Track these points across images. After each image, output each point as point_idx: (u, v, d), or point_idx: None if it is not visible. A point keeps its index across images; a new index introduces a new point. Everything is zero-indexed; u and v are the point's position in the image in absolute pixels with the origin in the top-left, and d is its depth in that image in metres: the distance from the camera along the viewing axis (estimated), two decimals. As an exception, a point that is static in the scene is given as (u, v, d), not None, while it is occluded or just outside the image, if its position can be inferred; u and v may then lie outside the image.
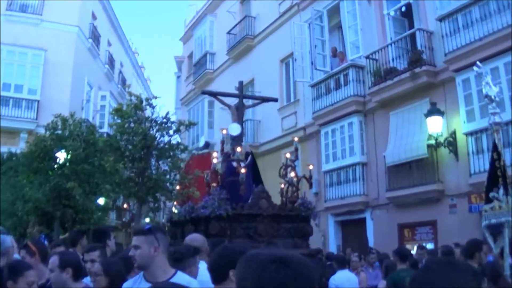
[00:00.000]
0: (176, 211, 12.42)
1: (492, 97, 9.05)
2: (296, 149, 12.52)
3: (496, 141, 8.90)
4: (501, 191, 8.47)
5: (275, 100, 15.44)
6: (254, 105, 15.16)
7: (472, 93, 12.88)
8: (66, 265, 4.28)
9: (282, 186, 12.01)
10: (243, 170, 10.99)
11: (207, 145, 16.35)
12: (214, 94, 14.30)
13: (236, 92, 13.43)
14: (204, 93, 15.84)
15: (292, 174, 11.90)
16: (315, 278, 1.71)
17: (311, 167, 12.41)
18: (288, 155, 12.41)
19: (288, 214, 11.38)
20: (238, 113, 12.99)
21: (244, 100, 13.69)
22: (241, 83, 13.71)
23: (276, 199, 11.75)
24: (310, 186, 12.44)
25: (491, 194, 8.60)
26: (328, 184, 17.43)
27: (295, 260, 1.67)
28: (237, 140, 12.38)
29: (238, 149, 11.45)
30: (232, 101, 13.63)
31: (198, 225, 10.88)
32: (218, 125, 22.14)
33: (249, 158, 12.15)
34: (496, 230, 8.23)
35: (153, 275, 3.66)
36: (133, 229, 11.72)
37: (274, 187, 12.50)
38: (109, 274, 4.32)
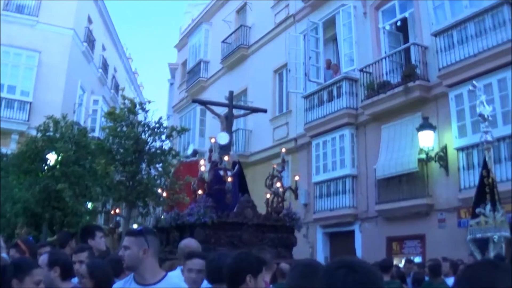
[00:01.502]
0: (162, 216, 12.45)
1: (486, 116, 9.16)
2: (283, 161, 12.63)
3: (487, 159, 9.00)
4: (488, 207, 8.58)
5: (264, 111, 15.49)
6: (243, 115, 15.29)
7: (465, 109, 12.96)
8: (54, 263, 4.21)
9: (268, 196, 12.10)
10: (229, 179, 11.08)
11: (195, 153, 16.48)
12: (204, 103, 14.41)
13: (226, 101, 13.53)
14: (194, 101, 15.93)
15: (278, 184, 12.02)
16: (381, 284, 1.72)
17: (297, 178, 12.53)
18: (275, 166, 12.53)
19: (273, 224, 11.48)
20: (227, 123, 13.14)
21: (234, 110, 13.77)
22: (231, 93, 13.84)
23: (263, 209, 11.82)
24: (296, 197, 12.57)
25: (477, 210, 8.71)
26: (318, 195, 17.40)
27: (362, 265, 1.70)
28: (225, 149, 12.50)
29: (226, 158, 11.54)
30: (222, 110, 13.71)
31: (183, 232, 10.96)
32: (209, 134, 22.06)
33: (236, 167, 12.27)
34: (483, 244, 8.32)
35: (142, 277, 3.64)
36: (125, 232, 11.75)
37: (263, 197, 12.55)
38: (94, 276, 4.29)
